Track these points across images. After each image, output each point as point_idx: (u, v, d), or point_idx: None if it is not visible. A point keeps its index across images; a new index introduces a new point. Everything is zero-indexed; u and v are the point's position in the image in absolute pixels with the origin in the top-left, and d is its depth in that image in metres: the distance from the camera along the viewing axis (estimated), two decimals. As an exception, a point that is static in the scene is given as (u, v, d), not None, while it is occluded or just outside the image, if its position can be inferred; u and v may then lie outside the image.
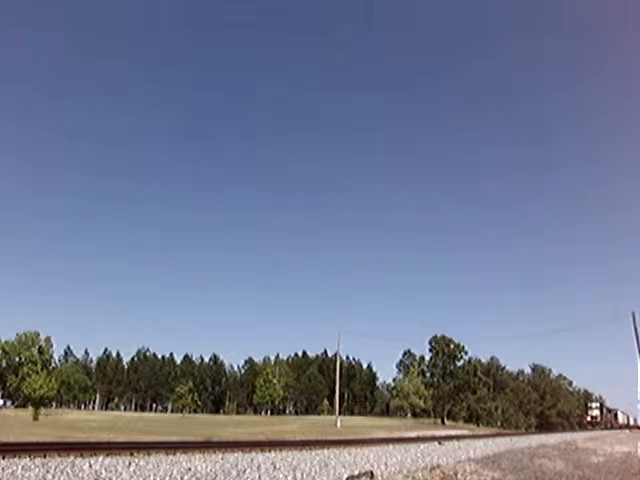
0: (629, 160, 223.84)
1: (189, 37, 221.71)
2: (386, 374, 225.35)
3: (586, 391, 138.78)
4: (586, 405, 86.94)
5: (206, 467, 9.92)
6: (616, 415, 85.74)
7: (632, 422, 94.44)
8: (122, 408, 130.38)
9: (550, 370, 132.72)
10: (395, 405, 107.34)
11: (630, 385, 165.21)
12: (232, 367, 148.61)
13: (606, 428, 72.81)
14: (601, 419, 78.01)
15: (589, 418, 79.52)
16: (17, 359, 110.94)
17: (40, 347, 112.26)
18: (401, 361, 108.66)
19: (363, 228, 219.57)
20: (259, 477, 9.62)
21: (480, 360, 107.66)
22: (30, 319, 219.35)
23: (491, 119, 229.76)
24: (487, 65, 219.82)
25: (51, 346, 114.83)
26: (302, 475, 10.16)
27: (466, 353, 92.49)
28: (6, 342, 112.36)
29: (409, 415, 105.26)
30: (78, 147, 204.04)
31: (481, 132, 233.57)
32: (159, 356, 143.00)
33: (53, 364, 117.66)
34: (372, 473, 10.92)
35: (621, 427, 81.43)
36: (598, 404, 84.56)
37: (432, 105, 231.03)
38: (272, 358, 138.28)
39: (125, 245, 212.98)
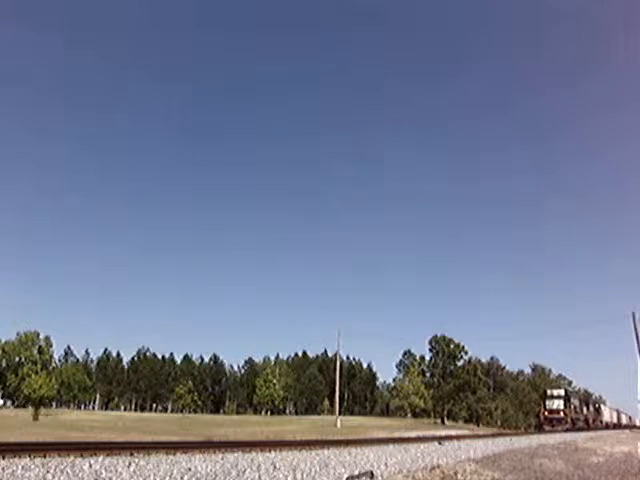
0: (629, 160, 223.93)
1: (189, 37, 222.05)
2: (386, 374, 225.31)
3: (586, 391, 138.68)
4: (545, 393, 55.30)
5: (206, 467, 9.91)
6: (599, 410, 65.08)
7: (626, 421, 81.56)
8: (122, 408, 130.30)
9: (550, 370, 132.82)
10: (395, 405, 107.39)
11: (630, 385, 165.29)
12: (232, 367, 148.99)
13: (576, 428, 50.08)
14: (567, 415, 50.76)
15: (546, 413, 51.57)
16: (17, 359, 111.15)
17: (40, 347, 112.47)
18: (401, 361, 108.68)
19: (363, 228, 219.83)
20: (259, 477, 9.60)
21: (480, 360, 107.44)
22: (30, 319, 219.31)
23: (491, 119, 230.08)
24: (488, 65, 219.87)
25: (51, 346, 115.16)
26: (302, 475, 10.15)
27: (466, 353, 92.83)
28: (6, 342, 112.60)
29: (409, 415, 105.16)
30: (78, 147, 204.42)
31: (481, 132, 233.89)
32: (159, 356, 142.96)
33: (53, 364, 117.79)
34: (372, 473, 10.90)
35: (607, 426, 63.94)
36: (562, 391, 54.60)
37: (432, 105, 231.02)
38: (272, 358, 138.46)
39: (125, 245, 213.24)
